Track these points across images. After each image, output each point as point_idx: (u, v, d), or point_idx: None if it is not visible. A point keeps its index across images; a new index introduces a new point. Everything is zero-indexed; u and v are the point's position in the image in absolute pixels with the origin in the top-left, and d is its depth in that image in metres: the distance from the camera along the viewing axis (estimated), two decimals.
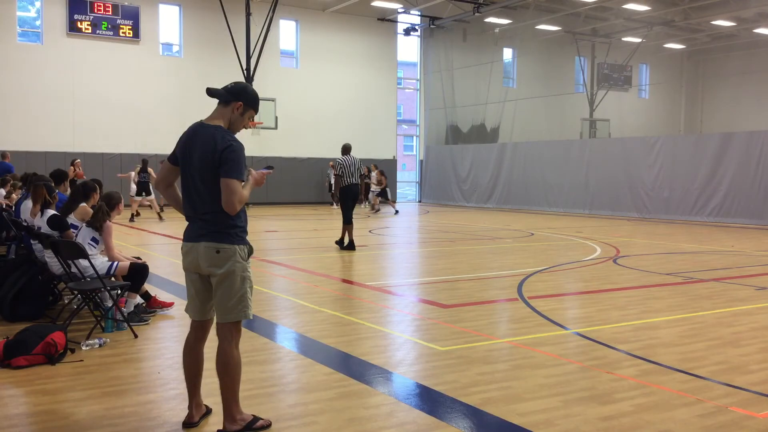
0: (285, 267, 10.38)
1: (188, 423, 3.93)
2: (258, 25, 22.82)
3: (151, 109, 25.25)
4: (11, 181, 11.37)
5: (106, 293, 6.12)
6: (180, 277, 7.53)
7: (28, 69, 23.33)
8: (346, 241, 12.46)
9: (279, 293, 8.20)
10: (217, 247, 3.72)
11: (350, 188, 12.33)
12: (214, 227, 3.73)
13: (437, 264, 11.38)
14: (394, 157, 30.82)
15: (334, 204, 24.67)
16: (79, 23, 23.90)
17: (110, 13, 24.38)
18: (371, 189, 24.22)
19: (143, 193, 19.11)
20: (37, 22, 23.97)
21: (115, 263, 6.37)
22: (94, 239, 6.34)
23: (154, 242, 14.24)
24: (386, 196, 25.26)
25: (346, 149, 12.44)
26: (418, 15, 29.88)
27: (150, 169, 19.04)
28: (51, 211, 6.73)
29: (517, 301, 7.79)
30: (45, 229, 6.59)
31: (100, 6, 24.16)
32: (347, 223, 12.32)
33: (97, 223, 6.35)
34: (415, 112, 33.85)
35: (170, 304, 6.97)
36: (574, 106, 34.63)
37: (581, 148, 25.25)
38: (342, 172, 12.31)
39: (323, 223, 19.10)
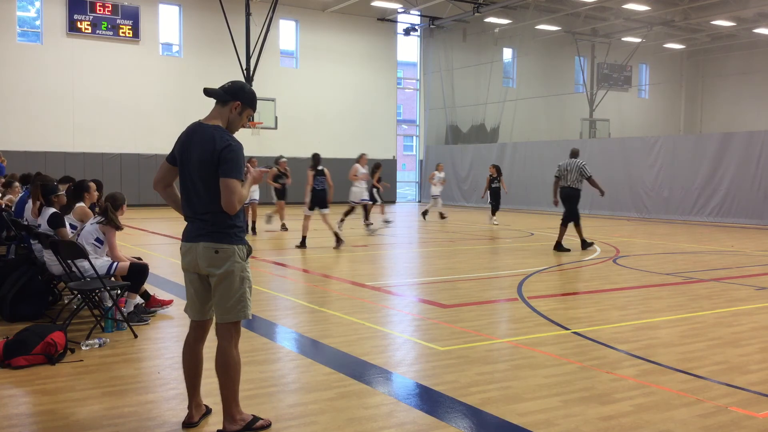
0: (285, 267, 10.38)
1: (188, 423, 3.93)
2: (258, 25, 22.81)
3: (151, 109, 25.24)
4: (13, 182, 11.35)
5: (106, 293, 6.12)
6: (179, 277, 7.52)
7: (28, 69, 23.31)
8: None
9: (279, 293, 8.20)
10: (216, 247, 3.72)
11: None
12: (213, 227, 3.73)
13: (437, 264, 11.37)
14: (394, 157, 30.81)
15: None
16: (78, 23, 23.89)
17: (110, 13, 24.37)
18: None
19: None
20: (37, 22, 23.96)
21: (115, 263, 6.37)
22: (98, 240, 6.33)
23: (153, 242, 14.24)
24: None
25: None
26: (418, 15, 29.88)
27: None
28: (51, 209, 6.72)
29: (517, 301, 7.79)
30: (45, 227, 6.58)
31: (100, 6, 24.16)
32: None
33: (111, 222, 6.33)
34: (415, 112, 33.83)
35: (169, 302, 6.98)
36: (574, 106, 34.63)
37: (581, 148, 24.89)
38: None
39: (323, 224, 19.04)
